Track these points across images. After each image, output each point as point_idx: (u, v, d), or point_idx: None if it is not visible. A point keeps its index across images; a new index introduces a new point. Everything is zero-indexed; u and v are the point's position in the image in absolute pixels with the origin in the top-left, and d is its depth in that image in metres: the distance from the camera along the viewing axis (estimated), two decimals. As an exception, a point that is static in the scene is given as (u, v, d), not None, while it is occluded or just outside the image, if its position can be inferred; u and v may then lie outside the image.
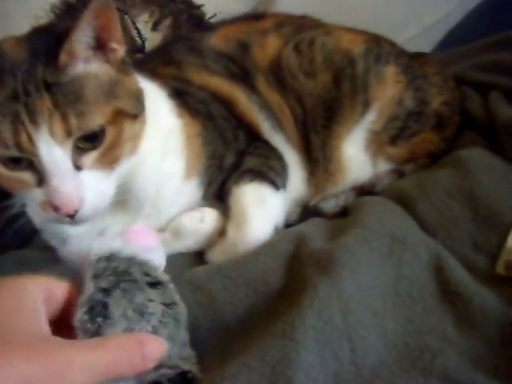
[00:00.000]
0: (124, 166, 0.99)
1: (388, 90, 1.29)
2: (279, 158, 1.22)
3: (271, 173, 1.16)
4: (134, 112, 1.00)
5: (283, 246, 0.96)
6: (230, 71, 1.28)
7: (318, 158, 1.27)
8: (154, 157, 1.08)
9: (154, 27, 1.73)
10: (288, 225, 1.16)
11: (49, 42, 0.95)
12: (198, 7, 1.78)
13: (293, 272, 0.90)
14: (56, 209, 0.92)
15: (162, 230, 1.11)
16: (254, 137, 1.23)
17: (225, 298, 0.88)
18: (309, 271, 0.86)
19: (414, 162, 1.29)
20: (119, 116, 0.96)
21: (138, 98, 1.03)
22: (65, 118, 0.90)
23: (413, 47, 1.48)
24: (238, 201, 1.12)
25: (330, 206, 1.21)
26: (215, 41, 1.33)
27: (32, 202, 0.96)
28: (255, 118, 1.24)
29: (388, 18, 1.84)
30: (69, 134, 0.90)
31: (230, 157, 1.17)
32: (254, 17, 1.45)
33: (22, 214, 1.06)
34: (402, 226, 0.96)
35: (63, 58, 0.92)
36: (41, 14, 1.78)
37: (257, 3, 1.86)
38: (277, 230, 1.10)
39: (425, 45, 1.85)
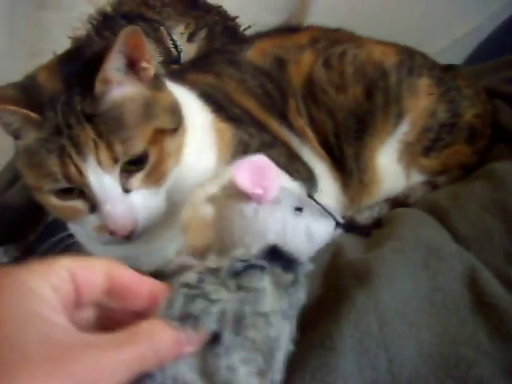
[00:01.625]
0: (171, 179, 1.01)
1: (421, 101, 1.30)
2: (306, 165, 1.22)
3: (295, 174, 1.15)
4: (173, 126, 1.01)
5: (319, 257, 0.96)
6: (265, 90, 1.30)
7: (352, 168, 1.29)
8: (192, 157, 1.08)
9: (190, 39, 1.75)
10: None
11: (80, 69, 0.97)
12: (233, 19, 1.80)
13: (329, 282, 0.91)
14: (112, 233, 0.95)
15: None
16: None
17: None
18: (346, 282, 0.87)
19: (447, 174, 1.30)
20: (159, 135, 0.98)
21: (175, 110, 1.04)
22: (110, 147, 0.92)
23: (443, 59, 1.49)
24: None
25: (364, 217, 1.22)
26: (252, 55, 1.35)
27: (86, 227, 0.99)
28: (286, 136, 1.26)
29: (418, 30, 1.85)
30: (115, 161, 0.93)
31: (254, 143, 1.16)
32: (289, 30, 1.47)
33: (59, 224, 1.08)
34: (437, 238, 0.97)
35: (98, 87, 0.94)
36: (78, 25, 1.81)
37: (290, 15, 1.87)
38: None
39: (455, 57, 1.85)
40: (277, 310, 0.65)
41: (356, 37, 1.44)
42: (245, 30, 1.80)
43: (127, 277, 0.65)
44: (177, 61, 1.76)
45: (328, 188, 1.27)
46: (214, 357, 0.62)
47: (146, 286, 0.65)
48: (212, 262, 0.67)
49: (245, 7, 1.84)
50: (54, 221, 1.28)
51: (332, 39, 1.39)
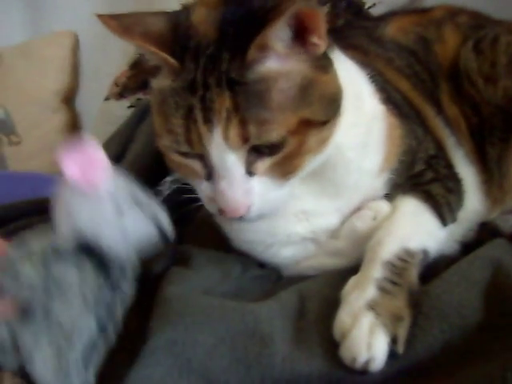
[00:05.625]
0: (303, 174, 0.92)
1: None
2: (460, 192, 1.11)
3: (446, 208, 1.04)
4: (324, 119, 0.89)
5: (477, 274, 0.86)
6: (414, 71, 1.19)
7: (493, 171, 1.17)
8: (354, 153, 0.99)
9: (313, 13, 1.66)
10: (466, 244, 1.08)
11: (241, 20, 0.86)
12: (358, -5, 1.70)
13: (493, 304, 0.81)
14: (221, 211, 0.88)
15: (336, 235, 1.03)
16: (441, 152, 1.13)
17: (416, 335, 0.80)
18: (517, 307, 0.77)
19: None
20: (304, 126, 0.86)
21: (333, 101, 0.91)
22: (243, 124, 0.83)
23: None
24: (397, 207, 1.01)
25: (509, 225, 1.10)
26: (392, 32, 1.25)
27: (199, 191, 0.92)
28: (441, 133, 1.15)
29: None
30: (245, 141, 0.84)
31: (420, 161, 1.07)
32: (423, 10, 1.36)
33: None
34: None
35: (253, 53, 0.83)
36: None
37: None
38: (424, 258, 0.96)
39: None
40: (79, 300, 0.75)
41: (497, 20, 1.31)
42: (369, 7, 1.69)
43: None
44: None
45: (472, 193, 1.14)
46: (23, 327, 0.72)
47: None
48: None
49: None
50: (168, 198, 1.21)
51: (473, 15, 1.28)
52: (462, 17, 1.26)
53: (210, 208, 0.92)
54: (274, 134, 0.84)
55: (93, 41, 2.24)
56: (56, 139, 2.23)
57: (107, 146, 1.55)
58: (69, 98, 2.34)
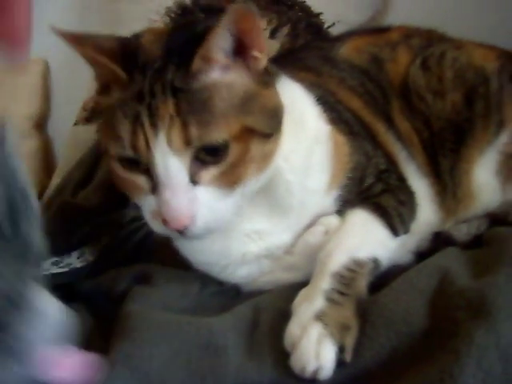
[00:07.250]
0: (249, 188, 0.94)
1: None
2: (412, 204, 1.14)
3: (397, 219, 1.07)
4: (267, 131, 0.94)
5: (423, 282, 0.90)
6: (366, 89, 1.23)
7: (447, 182, 1.21)
8: (295, 175, 1.03)
9: (272, 35, 1.67)
10: (420, 254, 1.11)
11: (186, 40, 0.91)
12: (317, 15, 1.72)
13: (437, 311, 0.84)
14: (164, 222, 0.89)
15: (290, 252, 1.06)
16: (392, 166, 1.17)
17: (364, 343, 0.82)
18: (460, 314, 0.80)
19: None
20: (247, 134, 0.90)
21: (275, 115, 0.96)
22: (185, 126, 0.86)
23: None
24: (346, 219, 1.04)
25: (462, 233, 1.14)
26: (346, 52, 1.29)
27: (144, 209, 0.94)
28: (392, 148, 1.19)
29: (505, 32, 1.74)
30: (187, 143, 0.86)
31: (370, 176, 1.10)
32: (379, 30, 1.40)
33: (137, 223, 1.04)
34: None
35: (197, 63, 0.88)
36: (155, 18, 1.76)
37: (374, 12, 1.80)
38: (375, 267, 0.99)
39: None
40: None
41: (449, 38, 1.36)
42: (329, 27, 1.72)
43: None
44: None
45: (426, 205, 1.18)
46: None
47: None
48: None
49: (329, 3, 1.77)
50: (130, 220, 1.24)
51: (426, 37, 1.33)
52: (415, 39, 1.30)
53: (154, 225, 0.93)
54: (215, 135, 0.87)
55: (63, 67, 2.25)
56: (28, 164, 2.24)
57: (74, 171, 1.57)
58: (40, 124, 2.34)
